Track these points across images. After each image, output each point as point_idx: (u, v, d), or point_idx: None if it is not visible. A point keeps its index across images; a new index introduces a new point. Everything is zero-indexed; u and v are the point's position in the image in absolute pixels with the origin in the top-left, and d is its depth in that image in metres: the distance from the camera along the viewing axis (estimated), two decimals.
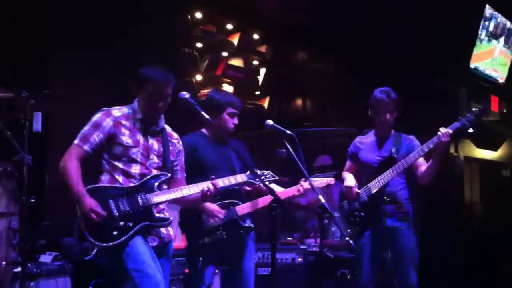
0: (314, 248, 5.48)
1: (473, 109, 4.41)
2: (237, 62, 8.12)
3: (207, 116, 3.62)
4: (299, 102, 9.11)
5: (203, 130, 4.10)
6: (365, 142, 4.52)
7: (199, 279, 3.90)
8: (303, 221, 6.23)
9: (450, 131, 4.16)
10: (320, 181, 4.21)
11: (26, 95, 3.64)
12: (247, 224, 4.03)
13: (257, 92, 8.42)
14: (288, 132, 3.68)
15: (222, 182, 3.60)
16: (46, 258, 4.46)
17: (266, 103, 8.41)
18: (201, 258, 3.86)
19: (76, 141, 3.36)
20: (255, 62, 8.37)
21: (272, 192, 3.53)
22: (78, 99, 5.31)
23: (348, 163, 4.61)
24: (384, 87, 4.41)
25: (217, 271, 4.17)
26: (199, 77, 7.53)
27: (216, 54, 7.80)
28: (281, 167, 4.23)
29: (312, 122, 8.54)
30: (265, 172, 3.87)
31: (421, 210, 4.79)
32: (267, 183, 3.75)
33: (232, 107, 4.04)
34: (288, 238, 5.85)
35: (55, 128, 5.05)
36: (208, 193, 3.49)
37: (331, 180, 4.24)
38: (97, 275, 4.17)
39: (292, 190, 4.16)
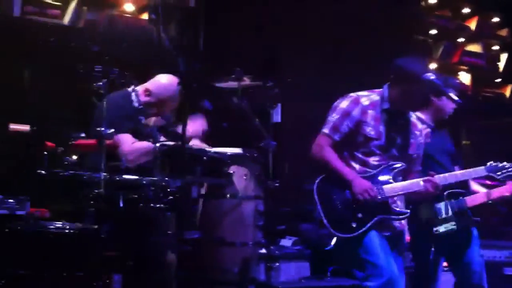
0: None
1: None
2: (475, 48, 7.60)
3: (455, 98, 3.50)
4: None
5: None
6: None
7: (432, 270, 3.79)
8: None
9: None
10: None
11: (271, 84, 3.80)
12: (475, 218, 3.85)
13: (498, 80, 7.79)
14: None
15: (449, 177, 3.41)
16: (286, 242, 4.63)
17: (508, 92, 7.73)
18: (433, 248, 3.75)
19: (326, 130, 3.36)
20: (495, 48, 7.75)
21: None
22: (308, 88, 5.42)
23: None
24: None
25: (445, 266, 4.02)
26: (433, 65, 7.20)
27: (451, 40, 7.42)
28: None
29: None
30: (507, 165, 3.59)
31: None
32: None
33: (453, 90, 3.78)
34: None
35: (289, 116, 5.23)
36: (428, 191, 3.30)
37: None
38: (334, 262, 4.22)
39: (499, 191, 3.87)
